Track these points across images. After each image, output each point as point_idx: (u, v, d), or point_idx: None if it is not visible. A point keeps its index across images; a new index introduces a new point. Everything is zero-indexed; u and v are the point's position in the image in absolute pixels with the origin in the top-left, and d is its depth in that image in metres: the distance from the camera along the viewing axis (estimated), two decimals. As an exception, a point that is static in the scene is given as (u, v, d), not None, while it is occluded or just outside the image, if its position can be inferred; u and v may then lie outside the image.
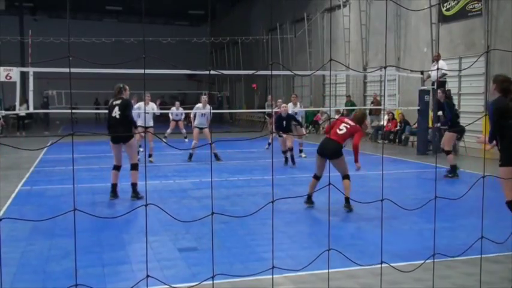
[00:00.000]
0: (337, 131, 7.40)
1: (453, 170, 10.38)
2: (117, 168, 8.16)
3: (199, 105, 13.42)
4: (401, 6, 16.49)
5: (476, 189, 3.67)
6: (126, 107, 8.06)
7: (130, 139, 8.10)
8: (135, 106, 13.13)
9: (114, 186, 8.19)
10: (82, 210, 2.43)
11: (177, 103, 17.91)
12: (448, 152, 10.44)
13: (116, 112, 8.01)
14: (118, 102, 8.08)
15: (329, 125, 7.56)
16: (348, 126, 7.43)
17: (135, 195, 8.14)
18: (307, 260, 3.18)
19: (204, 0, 34.08)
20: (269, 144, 15.73)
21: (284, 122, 11.95)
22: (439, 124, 13.00)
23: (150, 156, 12.82)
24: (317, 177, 7.51)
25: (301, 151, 14.14)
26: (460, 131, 13.77)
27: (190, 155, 13.33)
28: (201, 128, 13.30)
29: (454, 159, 10.66)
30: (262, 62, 30.56)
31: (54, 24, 32.41)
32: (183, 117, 17.60)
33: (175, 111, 16.34)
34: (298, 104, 14.98)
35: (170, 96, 38.35)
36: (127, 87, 8.41)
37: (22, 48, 30.55)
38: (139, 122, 11.76)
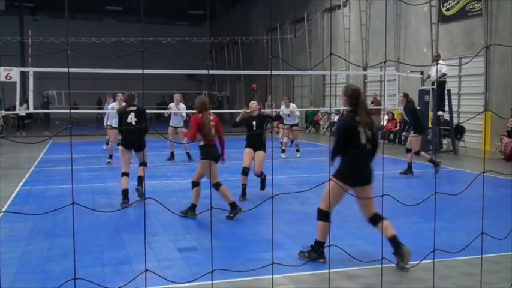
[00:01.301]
0: None
1: (435, 165, 10.61)
2: (126, 174, 7.96)
3: (172, 104, 13.68)
4: (402, 1, 16.46)
5: (476, 189, 3.68)
6: (142, 114, 8.17)
7: (144, 148, 8.11)
8: (109, 106, 13.29)
9: (125, 191, 7.86)
10: (80, 204, 2.43)
11: (177, 96, 17.70)
12: (417, 153, 10.80)
13: (132, 119, 8.08)
14: (133, 109, 8.13)
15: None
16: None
17: (141, 187, 8.06)
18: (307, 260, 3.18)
19: (203, 0, 34.07)
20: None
21: (254, 123, 10.14)
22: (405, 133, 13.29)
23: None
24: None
25: (297, 151, 14.18)
26: (460, 131, 13.91)
27: (172, 154, 13.45)
28: (175, 127, 13.44)
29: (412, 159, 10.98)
30: (262, 62, 30.55)
31: (54, 24, 32.35)
32: (183, 121, 17.53)
33: (174, 109, 16.29)
34: (292, 104, 14.98)
35: (170, 96, 38.38)
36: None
37: (22, 48, 30.54)
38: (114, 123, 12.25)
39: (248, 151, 8.50)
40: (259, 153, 8.46)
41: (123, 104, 8.48)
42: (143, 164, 8.12)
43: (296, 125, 13.62)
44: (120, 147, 8.08)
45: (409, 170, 10.99)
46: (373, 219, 5.05)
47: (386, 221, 4.88)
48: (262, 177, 8.70)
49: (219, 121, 7.24)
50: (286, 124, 13.89)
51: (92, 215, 6.53)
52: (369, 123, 5.16)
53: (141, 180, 8.11)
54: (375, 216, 5.05)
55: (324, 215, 4.99)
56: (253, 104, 8.93)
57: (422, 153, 10.95)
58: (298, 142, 14.56)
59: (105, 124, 14.06)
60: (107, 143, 13.72)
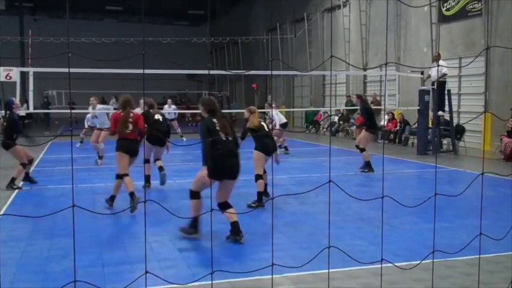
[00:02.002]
0: None
1: (368, 166, 11.07)
2: (148, 161, 9.34)
3: (166, 106, 13.98)
4: (401, 2, 16.47)
5: (475, 189, 3.68)
6: (164, 116, 9.91)
7: (166, 143, 9.35)
8: (98, 107, 13.45)
9: (147, 177, 9.36)
10: (81, 207, 2.43)
11: (169, 101, 17.91)
12: (362, 150, 11.15)
13: (159, 117, 9.37)
14: (158, 112, 9.66)
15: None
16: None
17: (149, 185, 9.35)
18: (307, 260, 3.18)
19: (204, 0, 34.06)
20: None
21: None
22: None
23: None
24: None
25: (280, 147, 14.31)
26: (460, 131, 14.01)
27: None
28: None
29: (368, 156, 11.23)
30: (262, 62, 30.55)
31: (54, 24, 32.36)
32: (176, 116, 17.63)
33: (168, 109, 16.39)
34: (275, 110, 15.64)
35: (170, 96, 38.36)
36: None
37: (22, 48, 30.53)
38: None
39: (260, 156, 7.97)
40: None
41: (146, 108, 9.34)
42: (160, 157, 9.46)
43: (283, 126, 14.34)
44: (117, 153, 7.80)
45: (368, 168, 11.13)
46: (223, 204, 5.91)
47: (232, 209, 5.93)
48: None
49: (138, 117, 7.82)
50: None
51: (92, 215, 6.52)
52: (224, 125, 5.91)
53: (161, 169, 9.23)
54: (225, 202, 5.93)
55: (195, 194, 6.04)
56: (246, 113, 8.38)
57: (365, 153, 11.19)
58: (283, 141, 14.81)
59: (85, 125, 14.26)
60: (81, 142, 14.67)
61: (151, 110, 9.28)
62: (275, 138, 13.03)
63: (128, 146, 7.60)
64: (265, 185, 7.90)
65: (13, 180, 9.25)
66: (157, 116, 9.28)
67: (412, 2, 17.48)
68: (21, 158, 9.44)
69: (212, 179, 5.51)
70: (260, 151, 7.74)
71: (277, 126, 13.96)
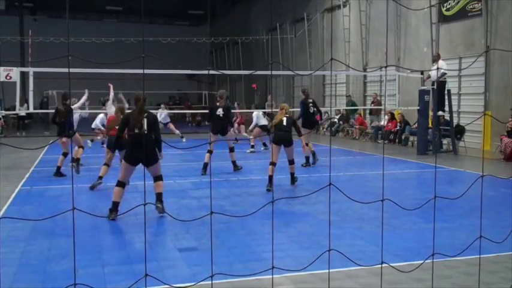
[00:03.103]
0: None
1: (307, 161, 11.77)
2: (210, 152, 10.48)
3: (159, 110, 14.54)
4: (401, 5, 16.48)
5: (476, 189, 3.67)
6: (228, 110, 11.50)
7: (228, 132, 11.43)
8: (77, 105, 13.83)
9: (205, 165, 10.92)
10: (81, 210, 2.43)
11: (163, 105, 18.12)
12: (306, 144, 11.79)
13: (220, 112, 11.00)
14: (221, 105, 11.16)
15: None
16: None
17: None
18: (307, 260, 3.18)
19: (203, 0, 34.05)
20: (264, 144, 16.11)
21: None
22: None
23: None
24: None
25: (253, 146, 15.30)
26: (460, 131, 14.12)
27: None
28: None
29: (308, 151, 11.86)
30: (262, 62, 30.53)
31: (54, 24, 32.35)
32: (169, 119, 17.95)
33: (161, 111, 16.55)
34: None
35: (170, 96, 38.35)
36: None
37: (22, 48, 30.52)
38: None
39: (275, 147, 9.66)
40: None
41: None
42: (210, 152, 10.15)
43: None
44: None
45: (307, 163, 11.80)
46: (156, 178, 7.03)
47: (161, 182, 7.12)
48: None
49: (109, 118, 9.26)
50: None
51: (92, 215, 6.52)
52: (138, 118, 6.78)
53: (159, 196, 7.35)
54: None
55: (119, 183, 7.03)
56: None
57: (307, 148, 11.83)
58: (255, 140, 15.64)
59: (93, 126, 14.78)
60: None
61: (218, 105, 11.16)
62: (250, 136, 14.69)
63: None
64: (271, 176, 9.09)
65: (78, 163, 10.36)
66: (218, 112, 11.01)
67: (412, 3, 17.48)
68: (79, 142, 11.20)
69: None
70: (273, 142, 9.52)
71: (252, 126, 16.08)
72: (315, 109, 12.43)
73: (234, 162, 11.55)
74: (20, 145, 13.95)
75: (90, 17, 39.88)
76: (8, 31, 27.82)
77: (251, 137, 15.48)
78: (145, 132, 6.71)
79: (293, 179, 9.68)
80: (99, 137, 15.61)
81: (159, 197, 7.06)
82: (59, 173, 10.62)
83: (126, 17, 39.19)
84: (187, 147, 13.63)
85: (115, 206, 6.94)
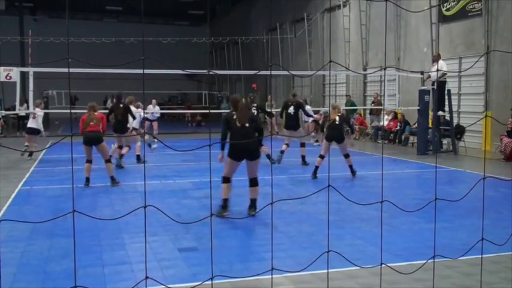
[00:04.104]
0: None
1: (269, 158, 12.05)
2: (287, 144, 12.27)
3: (150, 106, 14.48)
4: (401, 7, 16.48)
5: (476, 189, 3.67)
6: (301, 106, 12.82)
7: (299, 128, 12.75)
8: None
9: (316, 169, 11.01)
10: (81, 212, 2.43)
11: (154, 101, 17.90)
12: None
13: (291, 110, 12.36)
14: (292, 103, 12.48)
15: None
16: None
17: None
18: (307, 260, 3.18)
19: (203, 0, 34.05)
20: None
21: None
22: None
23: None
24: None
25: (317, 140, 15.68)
26: (460, 131, 14.11)
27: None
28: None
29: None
30: (262, 62, 30.54)
31: (54, 24, 32.33)
32: (158, 116, 17.70)
33: (152, 110, 16.39)
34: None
35: (169, 96, 38.33)
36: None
37: (22, 48, 30.53)
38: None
39: None
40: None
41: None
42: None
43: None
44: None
45: (271, 159, 12.11)
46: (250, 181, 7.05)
47: (257, 187, 7.02)
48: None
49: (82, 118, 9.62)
50: None
51: (92, 214, 6.52)
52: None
53: (253, 202, 7.49)
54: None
55: (224, 179, 7.05)
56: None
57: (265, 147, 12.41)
58: None
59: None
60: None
61: (289, 103, 12.50)
62: None
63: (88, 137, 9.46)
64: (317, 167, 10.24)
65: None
66: (290, 110, 12.44)
67: (412, 3, 17.48)
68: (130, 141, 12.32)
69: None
70: (326, 139, 10.29)
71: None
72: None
73: (303, 157, 12.35)
74: (20, 145, 13.94)
75: (90, 17, 39.88)
76: (8, 31, 27.82)
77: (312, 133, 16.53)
78: (248, 127, 6.95)
79: (353, 172, 10.51)
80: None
81: (253, 203, 7.08)
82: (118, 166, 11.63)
83: (126, 17, 39.18)
84: (188, 150, 13.60)
85: (225, 202, 7.06)
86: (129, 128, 12.06)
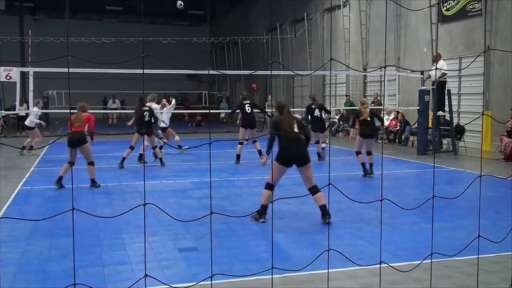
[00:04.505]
0: None
1: (237, 159, 12.64)
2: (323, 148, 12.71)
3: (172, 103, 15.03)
4: (401, 6, 16.49)
5: (476, 189, 3.67)
6: (323, 107, 13.18)
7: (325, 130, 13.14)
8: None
9: (366, 167, 11.22)
10: (80, 210, 2.43)
11: (164, 100, 17.68)
12: (240, 143, 12.82)
13: (317, 113, 12.70)
14: (317, 106, 12.81)
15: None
16: None
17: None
18: (307, 260, 3.18)
19: (204, 0, 34.04)
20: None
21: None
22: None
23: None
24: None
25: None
26: (460, 131, 14.12)
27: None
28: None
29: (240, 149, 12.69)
30: (262, 62, 30.53)
31: (54, 24, 32.33)
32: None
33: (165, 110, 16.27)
34: None
35: (169, 96, 38.32)
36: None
37: (22, 48, 30.53)
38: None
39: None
40: None
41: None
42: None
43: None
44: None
45: (237, 160, 12.68)
46: (310, 190, 6.65)
47: (321, 193, 6.57)
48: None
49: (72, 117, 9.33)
50: None
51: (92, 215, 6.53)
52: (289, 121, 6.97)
53: (323, 209, 6.98)
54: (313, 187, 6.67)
55: (268, 186, 6.77)
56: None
57: (240, 146, 12.77)
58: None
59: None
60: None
61: (313, 106, 12.86)
62: None
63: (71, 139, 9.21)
64: (364, 163, 10.56)
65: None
66: (316, 113, 12.75)
67: (412, 3, 17.48)
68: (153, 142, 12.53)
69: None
70: (360, 136, 10.60)
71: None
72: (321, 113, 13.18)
73: (319, 154, 13.10)
74: (20, 145, 13.94)
75: (90, 17, 39.87)
76: (8, 31, 27.82)
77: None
78: (297, 132, 6.87)
79: (371, 170, 10.64)
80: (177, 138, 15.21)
81: (323, 209, 6.58)
82: (161, 161, 12.15)
83: (126, 17, 39.17)
84: (194, 146, 13.63)
85: (264, 209, 6.73)
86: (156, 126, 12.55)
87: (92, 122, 9.54)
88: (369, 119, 10.51)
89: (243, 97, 13.16)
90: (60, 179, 9.22)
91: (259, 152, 12.63)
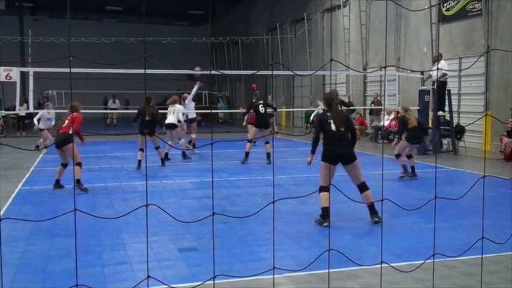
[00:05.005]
0: None
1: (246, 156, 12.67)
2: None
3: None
4: (401, 6, 16.50)
5: (476, 189, 3.67)
6: (344, 103, 11.72)
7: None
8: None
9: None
10: (82, 211, 2.43)
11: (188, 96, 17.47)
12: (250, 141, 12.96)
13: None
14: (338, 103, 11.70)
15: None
16: None
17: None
18: (307, 260, 3.18)
19: (204, 0, 34.04)
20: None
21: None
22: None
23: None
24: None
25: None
26: (460, 131, 14.11)
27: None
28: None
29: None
30: (262, 62, 30.54)
31: (54, 24, 32.35)
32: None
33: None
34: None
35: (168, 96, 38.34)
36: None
37: (22, 48, 30.53)
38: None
39: None
40: None
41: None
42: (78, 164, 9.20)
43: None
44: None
45: (246, 158, 12.76)
46: (358, 187, 6.67)
47: (369, 191, 6.61)
48: None
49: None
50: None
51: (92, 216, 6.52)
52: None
53: (372, 208, 7.12)
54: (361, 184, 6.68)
55: (322, 188, 6.48)
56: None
57: (249, 144, 12.86)
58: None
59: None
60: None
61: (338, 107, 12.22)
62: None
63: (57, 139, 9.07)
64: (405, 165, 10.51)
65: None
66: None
67: (412, 3, 17.48)
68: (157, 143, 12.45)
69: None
70: (406, 140, 10.45)
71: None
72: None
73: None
74: (20, 145, 13.95)
75: (90, 17, 39.86)
76: (8, 31, 27.81)
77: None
78: (343, 130, 6.67)
79: (414, 172, 10.58)
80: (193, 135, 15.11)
81: (371, 208, 6.59)
82: (164, 162, 12.21)
83: (126, 17, 39.17)
84: (206, 145, 13.61)
85: (326, 211, 6.49)
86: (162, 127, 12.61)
87: (77, 122, 9.30)
88: (416, 124, 10.46)
89: (257, 97, 13.24)
90: (57, 182, 9.18)
91: (268, 155, 12.71)
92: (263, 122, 12.86)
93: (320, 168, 6.64)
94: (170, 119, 13.21)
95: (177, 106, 13.42)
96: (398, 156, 10.47)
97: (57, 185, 9.16)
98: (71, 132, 8.93)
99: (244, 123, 16.33)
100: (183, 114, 14.18)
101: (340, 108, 7.49)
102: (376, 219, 6.51)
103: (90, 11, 38.97)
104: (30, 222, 6.50)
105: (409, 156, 10.61)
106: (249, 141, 12.78)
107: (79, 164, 9.02)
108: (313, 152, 6.93)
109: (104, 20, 40.72)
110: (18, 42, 29.27)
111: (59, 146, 8.90)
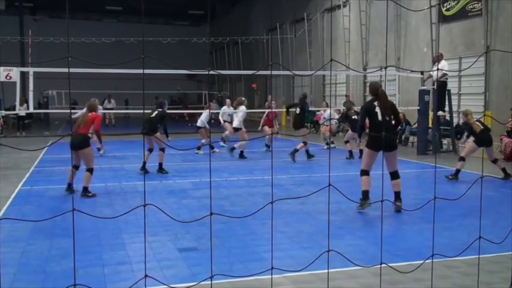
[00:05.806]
0: None
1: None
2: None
3: (225, 106, 15.83)
4: (401, 6, 16.48)
5: (476, 189, 3.67)
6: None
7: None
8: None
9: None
10: (81, 211, 2.43)
11: (228, 101, 17.43)
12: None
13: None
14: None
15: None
16: None
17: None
18: (307, 260, 3.18)
19: (204, 0, 34.04)
20: (267, 146, 15.84)
21: None
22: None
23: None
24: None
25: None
26: (460, 131, 14.00)
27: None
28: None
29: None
30: (262, 62, 30.53)
31: (54, 24, 32.34)
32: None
33: (227, 110, 16.12)
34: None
35: (169, 96, 38.36)
36: None
37: (22, 48, 30.53)
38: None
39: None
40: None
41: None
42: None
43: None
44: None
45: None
46: (391, 174, 7.22)
47: (399, 179, 7.20)
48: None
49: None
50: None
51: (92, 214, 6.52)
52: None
53: (398, 195, 7.63)
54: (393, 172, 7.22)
55: (364, 172, 7.16)
56: None
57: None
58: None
59: None
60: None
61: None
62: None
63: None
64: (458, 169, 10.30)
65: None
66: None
67: (412, 3, 17.48)
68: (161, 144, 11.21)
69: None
70: (476, 143, 10.09)
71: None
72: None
73: (351, 152, 13.70)
74: (20, 145, 13.93)
75: (90, 17, 39.86)
76: (8, 31, 27.83)
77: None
78: (388, 120, 6.94)
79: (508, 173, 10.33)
80: (203, 140, 14.83)
81: (397, 195, 7.19)
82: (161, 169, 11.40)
83: (126, 17, 39.17)
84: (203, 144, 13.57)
85: (365, 194, 7.13)
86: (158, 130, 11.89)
87: (96, 122, 8.79)
88: (482, 127, 10.15)
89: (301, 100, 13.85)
90: (69, 185, 8.66)
91: (307, 152, 13.36)
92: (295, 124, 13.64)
93: (364, 153, 7.28)
94: (235, 122, 14.01)
95: (241, 107, 14.10)
96: (463, 159, 10.33)
97: (70, 189, 8.65)
98: (89, 133, 8.65)
99: (259, 127, 16.17)
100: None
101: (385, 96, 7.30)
102: (399, 203, 6.95)
103: (90, 11, 38.96)
104: (30, 222, 6.50)
105: (495, 161, 10.43)
106: (304, 143, 13.21)
107: (90, 171, 8.57)
108: (360, 136, 7.69)
109: (103, 20, 40.72)
110: (18, 42, 29.28)
111: (74, 148, 8.31)
